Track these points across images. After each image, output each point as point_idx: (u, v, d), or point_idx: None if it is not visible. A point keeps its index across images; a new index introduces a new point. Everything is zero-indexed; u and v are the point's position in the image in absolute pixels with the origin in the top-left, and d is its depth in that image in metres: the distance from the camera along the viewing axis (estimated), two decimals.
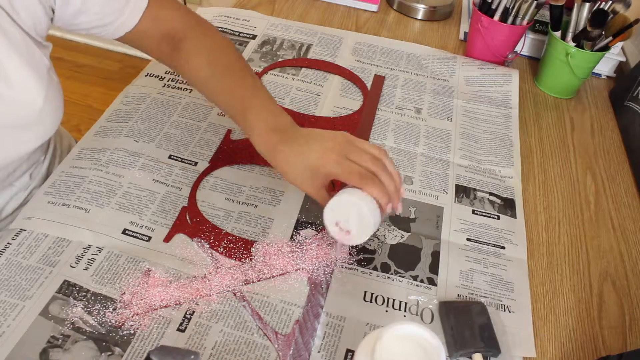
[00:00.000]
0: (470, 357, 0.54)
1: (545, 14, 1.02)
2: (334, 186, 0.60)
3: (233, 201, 0.67)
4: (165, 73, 0.86)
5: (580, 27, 0.89)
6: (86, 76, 2.25)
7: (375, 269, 0.62)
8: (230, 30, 0.99)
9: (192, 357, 0.39)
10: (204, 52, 0.65)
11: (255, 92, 0.61)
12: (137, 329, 0.53)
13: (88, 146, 0.72)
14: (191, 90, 0.83)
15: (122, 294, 0.55)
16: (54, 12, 0.58)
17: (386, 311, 0.58)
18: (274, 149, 0.56)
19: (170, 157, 0.72)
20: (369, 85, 0.90)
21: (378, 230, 0.66)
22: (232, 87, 0.62)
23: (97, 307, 0.54)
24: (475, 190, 0.74)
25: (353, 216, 0.53)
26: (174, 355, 0.38)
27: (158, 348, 0.39)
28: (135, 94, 0.81)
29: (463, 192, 0.73)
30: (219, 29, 0.98)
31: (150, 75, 0.85)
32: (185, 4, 1.92)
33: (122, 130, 0.74)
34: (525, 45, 1.03)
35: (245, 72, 0.64)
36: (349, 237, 0.55)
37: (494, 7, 0.92)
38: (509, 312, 0.60)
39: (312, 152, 0.54)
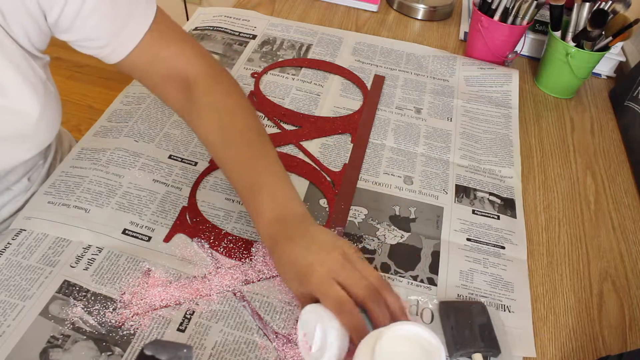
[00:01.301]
0: (470, 357, 0.54)
1: (545, 14, 1.02)
2: None
3: (233, 201, 0.67)
4: None
5: (580, 27, 0.89)
6: (86, 76, 2.25)
7: (375, 269, 0.62)
8: (230, 30, 0.99)
9: (185, 350, 0.39)
10: (214, 112, 0.60)
11: (269, 167, 0.57)
12: (137, 329, 0.53)
13: (88, 146, 0.72)
14: None
15: (122, 294, 0.55)
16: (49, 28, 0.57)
17: None
18: (274, 244, 0.53)
19: (170, 157, 0.72)
20: (369, 85, 0.90)
21: (378, 230, 0.66)
22: (243, 159, 0.57)
23: (97, 307, 0.54)
24: (475, 190, 0.74)
25: (318, 334, 0.48)
26: (167, 349, 0.39)
27: (152, 342, 0.39)
28: (135, 93, 0.81)
29: (463, 192, 0.73)
30: (219, 29, 0.98)
31: None
32: (185, 4, 1.91)
33: (122, 130, 0.74)
34: (525, 45, 1.03)
35: (260, 141, 0.59)
36: (309, 354, 0.49)
37: (494, 7, 0.92)
38: (509, 312, 0.60)
39: (304, 261, 0.50)
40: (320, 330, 0.47)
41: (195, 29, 0.98)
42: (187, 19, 1.93)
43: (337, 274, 0.48)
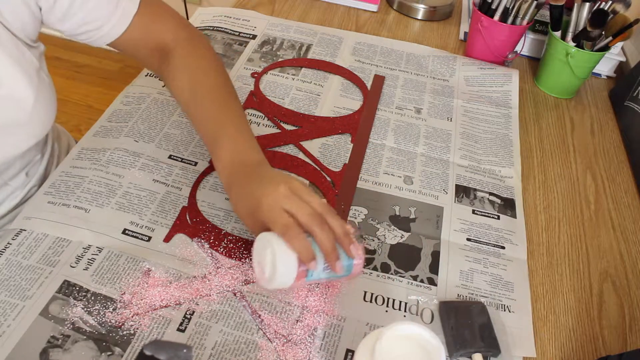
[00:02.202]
0: (470, 357, 0.54)
1: (545, 14, 1.02)
2: None
3: None
4: None
5: (580, 27, 0.89)
6: (86, 76, 2.25)
7: (375, 269, 0.62)
8: (230, 30, 0.99)
9: (185, 350, 0.39)
10: (187, 72, 0.64)
11: (233, 120, 0.61)
12: (137, 329, 0.53)
13: (88, 146, 0.72)
14: None
15: (122, 294, 0.55)
16: (42, 16, 0.58)
17: (386, 311, 0.58)
18: (231, 186, 0.57)
19: (170, 157, 0.72)
20: (369, 85, 0.90)
21: (378, 230, 0.66)
22: (210, 114, 0.62)
23: (97, 307, 0.54)
24: (475, 190, 0.74)
25: (268, 259, 0.51)
26: (167, 350, 0.39)
27: (151, 342, 0.39)
28: (135, 94, 0.81)
29: (463, 192, 0.73)
30: (219, 29, 0.98)
31: (150, 75, 0.85)
32: (185, 4, 1.91)
33: (122, 130, 0.74)
34: (525, 45, 1.03)
35: (228, 98, 0.63)
36: (264, 279, 0.52)
37: (494, 7, 0.92)
38: (509, 312, 0.60)
39: (255, 195, 0.54)
40: (270, 254, 0.50)
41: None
42: (187, 19, 1.94)
43: (284, 203, 0.52)
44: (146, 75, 0.85)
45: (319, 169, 0.73)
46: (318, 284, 0.58)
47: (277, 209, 0.52)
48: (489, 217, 0.70)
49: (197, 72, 0.64)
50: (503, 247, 0.67)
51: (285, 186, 0.53)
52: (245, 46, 0.95)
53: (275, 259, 0.50)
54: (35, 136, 0.61)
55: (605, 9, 0.85)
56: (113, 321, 0.53)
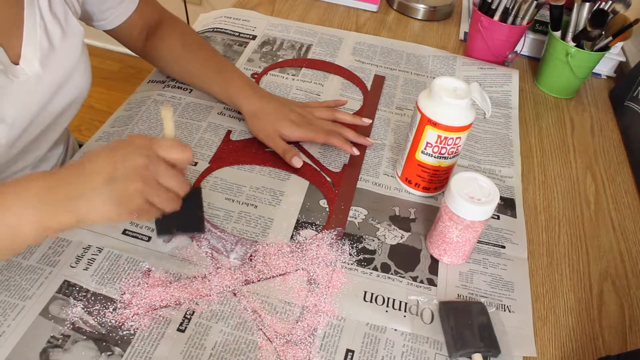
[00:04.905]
0: (470, 357, 0.54)
1: (545, 14, 1.02)
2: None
3: (233, 201, 0.67)
4: (167, 78, 0.85)
5: (580, 27, 0.89)
6: None
7: (375, 269, 0.62)
8: (230, 30, 0.99)
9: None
10: (177, 33, 0.78)
11: (227, 62, 0.78)
12: (137, 329, 0.53)
13: (90, 149, 0.72)
14: (191, 90, 0.83)
15: (122, 294, 0.55)
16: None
17: (386, 311, 0.58)
18: (254, 117, 0.74)
19: None
20: (369, 85, 0.90)
21: (378, 230, 0.66)
22: (206, 57, 0.76)
23: (97, 307, 0.54)
24: None
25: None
26: None
27: None
28: (137, 100, 0.81)
29: None
30: (219, 29, 0.98)
31: (152, 82, 0.85)
32: (185, 5, 1.92)
33: (123, 134, 0.74)
34: (525, 45, 1.03)
35: (215, 50, 0.79)
36: None
37: (494, 7, 0.92)
38: (509, 312, 0.60)
39: (278, 118, 0.72)
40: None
41: None
42: (187, 20, 1.94)
43: (309, 120, 0.74)
44: (148, 82, 0.85)
45: (319, 169, 0.73)
46: (317, 283, 0.58)
47: (308, 125, 0.74)
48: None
49: (186, 30, 0.80)
50: (503, 247, 0.67)
51: (299, 108, 0.76)
52: (245, 47, 0.95)
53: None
54: (79, 89, 0.68)
55: (605, 9, 0.85)
56: (113, 321, 0.53)
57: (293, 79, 0.89)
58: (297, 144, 0.76)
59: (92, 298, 0.55)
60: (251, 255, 0.61)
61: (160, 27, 0.79)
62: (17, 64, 0.59)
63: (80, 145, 0.83)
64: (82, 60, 0.67)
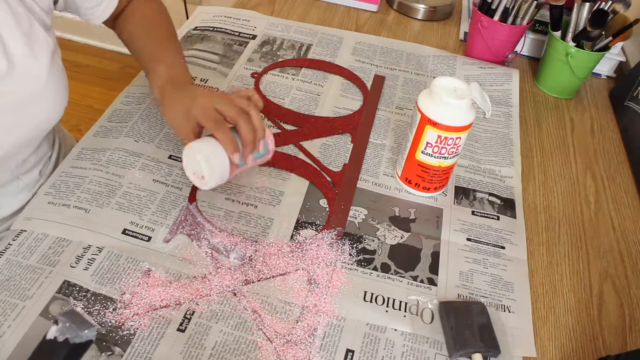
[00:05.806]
0: (470, 357, 0.54)
1: (545, 14, 1.02)
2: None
3: (233, 201, 0.67)
4: None
5: (580, 27, 0.89)
6: (86, 76, 2.25)
7: (375, 269, 0.62)
8: (230, 30, 0.99)
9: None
10: (143, 16, 0.75)
11: (170, 48, 0.72)
12: (137, 329, 0.53)
13: (88, 146, 0.72)
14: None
15: (122, 294, 0.55)
16: None
17: (386, 311, 0.58)
18: (164, 93, 0.65)
19: (170, 157, 0.72)
20: (369, 85, 0.90)
21: (378, 230, 0.66)
22: (155, 41, 0.73)
23: (97, 307, 0.54)
24: (474, 191, 0.74)
25: (202, 163, 0.58)
26: None
27: None
28: (136, 94, 0.81)
29: (462, 193, 0.73)
30: (219, 29, 0.98)
31: None
32: (185, 4, 1.92)
33: (122, 130, 0.74)
34: (525, 45, 1.03)
35: (169, 32, 0.75)
36: (203, 182, 0.59)
37: (494, 7, 0.92)
38: (509, 312, 0.60)
39: (191, 96, 0.62)
40: (202, 157, 0.58)
41: (195, 28, 0.98)
42: (187, 18, 1.94)
43: (216, 102, 0.61)
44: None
45: (319, 169, 0.73)
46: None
47: (210, 108, 0.60)
48: (489, 217, 0.70)
49: (154, 10, 0.76)
50: (503, 247, 0.67)
51: (219, 92, 0.65)
52: (245, 46, 0.95)
53: (210, 158, 0.58)
54: (49, 115, 0.64)
55: (605, 9, 0.85)
56: (113, 321, 0.53)
57: (293, 79, 0.89)
58: (296, 143, 0.76)
59: (92, 298, 0.55)
60: (251, 255, 0.61)
61: (131, 3, 0.76)
62: None
63: None
64: (49, 83, 0.61)
